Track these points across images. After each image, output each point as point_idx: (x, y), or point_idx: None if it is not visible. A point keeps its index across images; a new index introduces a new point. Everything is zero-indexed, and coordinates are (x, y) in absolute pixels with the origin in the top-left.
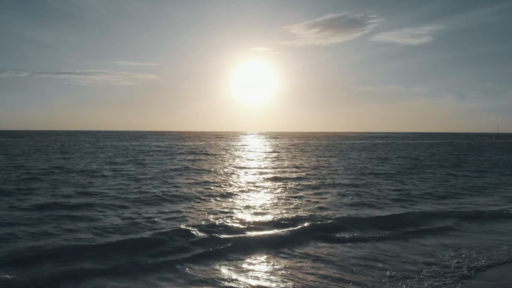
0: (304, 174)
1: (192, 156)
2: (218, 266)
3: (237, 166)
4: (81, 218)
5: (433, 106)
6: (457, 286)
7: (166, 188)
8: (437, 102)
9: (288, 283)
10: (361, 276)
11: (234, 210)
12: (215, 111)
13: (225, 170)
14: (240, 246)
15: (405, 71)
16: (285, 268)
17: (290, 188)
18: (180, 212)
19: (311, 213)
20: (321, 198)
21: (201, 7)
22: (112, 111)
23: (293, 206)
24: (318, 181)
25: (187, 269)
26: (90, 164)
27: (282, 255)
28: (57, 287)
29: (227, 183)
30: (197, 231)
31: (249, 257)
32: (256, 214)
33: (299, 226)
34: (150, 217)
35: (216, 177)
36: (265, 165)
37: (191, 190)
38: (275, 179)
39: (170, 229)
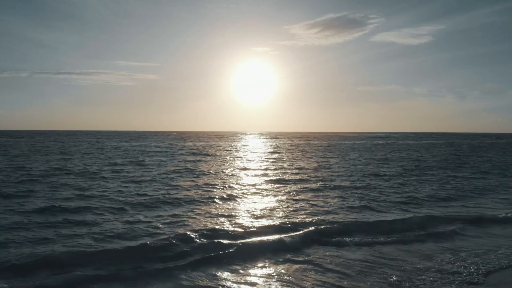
0: (305, 176)
1: (192, 157)
2: (219, 273)
3: (238, 167)
4: (81, 222)
5: (433, 106)
6: None
7: (166, 191)
8: (437, 102)
9: None
10: (364, 283)
11: (235, 214)
12: (215, 111)
13: (226, 171)
14: (241, 252)
15: (405, 71)
16: (287, 274)
17: (292, 191)
18: (180, 216)
19: (313, 217)
20: (323, 201)
21: (201, 7)
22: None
23: (294, 209)
24: (320, 183)
25: (187, 275)
26: (90, 165)
27: (284, 261)
28: None
29: (227, 186)
30: (198, 236)
31: (250, 264)
32: (257, 218)
33: (301, 231)
34: (150, 221)
35: (217, 179)
36: (266, 167)
37: (192, 192)
38: (276, 181)
39: (170, 234)
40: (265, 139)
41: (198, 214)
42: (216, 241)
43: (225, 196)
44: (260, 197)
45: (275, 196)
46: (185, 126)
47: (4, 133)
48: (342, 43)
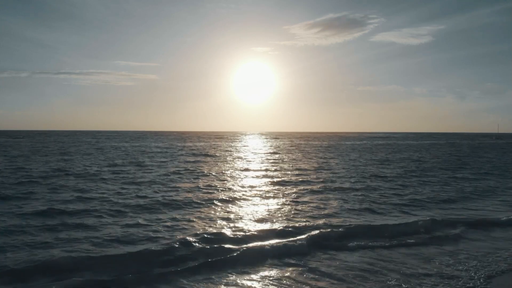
0: (306, 177)
1: (192, 158)
2: (220, 278)
3: (239, 168)
4: (80, 226)
5: (433, 106)
6: None
7: (166, 193)
8: (437, 102)
9: None
10: None
11: (236, 217)
12: (215, 111)
13: (226, 173)
14: (243, 257)
15: (405, 71)
16: (290, 279)
17: (293, 193)
18: (180, 219)
19: (315, 221)
20: (325, 205)
21: (201, 7)
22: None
23: (296, 212)
24: (321, 185)
25: (188, 280)
26: (90, 166)
27: (286, 266)
28: None
29: (228, 188)
30: (199, 241)
31: (252, 269)
32: (258, 221)
33: (304, 236)
34: (149, 225)
35: (217, 180)
36: (266, 168)
37: (192, 194)
38: (277, 183)
39: (170, 238)
40: (265, 140)
41: (199, 217)
42: (217, 245)
43: (226, 198)
44: (261, 199)
45: (276, 198)
46: (185, 126)
47: (4, 133)
48: (342, 43)
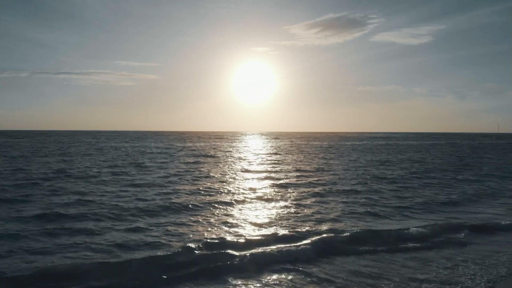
0: (307, 179)
1: (192, 159)
2: (221, 285)
3: (239, 170)
4: (80, 231)
5: (433, 106)
6: None
7: (166, 196)
8: (437, 102)
9: None
10: None
11: (237, 221)
12: (215, 111)
13: (227, 175)
14: (244, 263)
15: (405, 71)
16: (293, 285)
17: (294, 196)
18: (180, 224)
19: (317, 225)
20: (327, 208)
21: (201, 7)
22: (112, 111)
23: (298, 216)
24: (322, 187)
25: (190, 287)
26: (90, 168)
27: (289, 272)
28: None
29: (229, 190)
30: (199, 246)
31: (254, 275)
32: (260, 226)
33: (307, 241)
34: (149, 229)
35: (218, 183)
36: (267, 169)
37: (192, 197)
38: (278, 185)
39: (171, 243)
40: (265, 140)
41: (199, 221)
42: (218, 251)
43: (227, 201)
44: (263, 202)
45: (278, 201)
46: (185, 126)
47: (4, 133)
48: (342, 43)
